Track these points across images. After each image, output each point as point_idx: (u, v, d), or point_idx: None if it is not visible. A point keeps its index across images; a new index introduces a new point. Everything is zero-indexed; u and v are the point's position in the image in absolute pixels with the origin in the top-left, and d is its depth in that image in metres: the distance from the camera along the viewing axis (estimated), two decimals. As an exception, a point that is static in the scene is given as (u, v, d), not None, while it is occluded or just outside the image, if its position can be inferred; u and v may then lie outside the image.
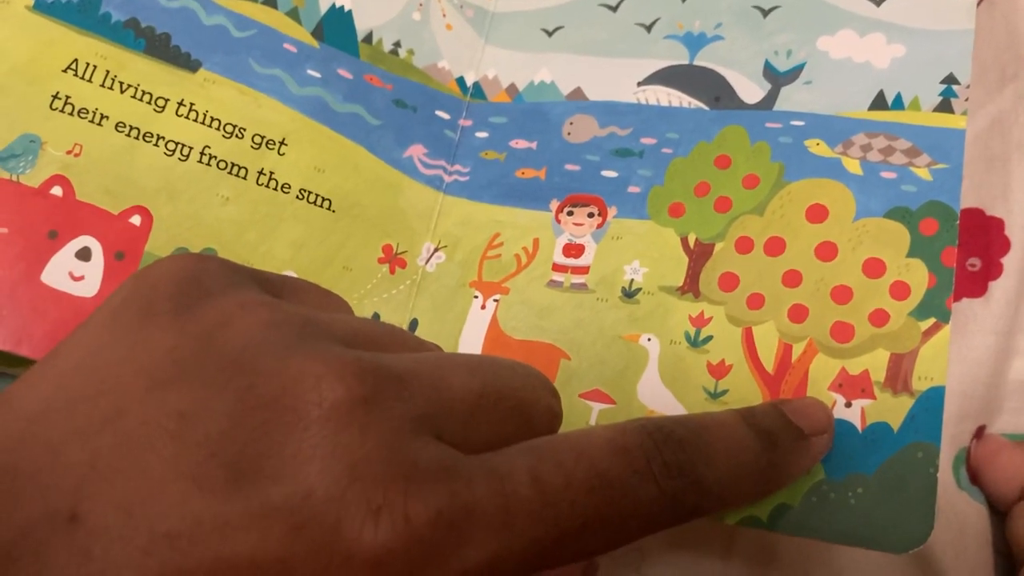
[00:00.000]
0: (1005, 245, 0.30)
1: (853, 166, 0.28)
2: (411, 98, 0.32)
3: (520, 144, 0.32)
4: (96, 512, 0.16)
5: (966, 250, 0.30)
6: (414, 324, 0.30)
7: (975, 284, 0.30)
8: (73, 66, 0.29)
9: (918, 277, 0.26)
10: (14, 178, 0.28)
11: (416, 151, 0.32)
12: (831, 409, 0.25)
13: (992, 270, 0.30)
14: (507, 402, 0.19)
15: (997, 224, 0.30)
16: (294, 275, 0.29)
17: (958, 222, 0.27)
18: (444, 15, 0.34)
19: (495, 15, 0.34)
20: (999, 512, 0.27)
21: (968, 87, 0.28)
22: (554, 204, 0.30)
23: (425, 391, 0.18)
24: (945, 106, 0.28)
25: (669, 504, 0.19)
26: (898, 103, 0.29)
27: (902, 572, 0.27)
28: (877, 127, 0.28)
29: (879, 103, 0.29)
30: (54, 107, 0.28)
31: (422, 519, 0.16)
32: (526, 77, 0.33)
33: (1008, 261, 0.30)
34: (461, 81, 0.33)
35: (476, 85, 0.33)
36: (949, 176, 0.27)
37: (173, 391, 0.17)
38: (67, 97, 0.29)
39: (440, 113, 0.33)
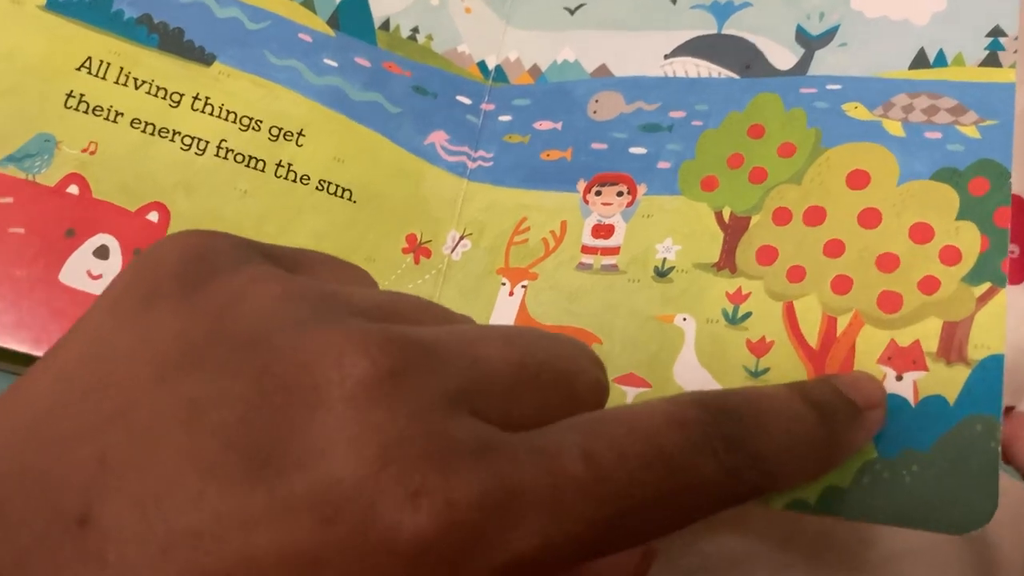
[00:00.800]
0: None
1: (895, 128, 0.26)
2: (431, 84, 0.31)
3: (545, 125, 0.31)
4: (108, 513, 0.15)
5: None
6: (441, 314, 0.29)
7: (1015, 271, 0.28)
8: (87, 64, 0.29)
9: (970, 240, 0.25)
10: (30, 177, 0.27)
11: (438, 138, 0.31)
12: (882, 382, 0.24)
13: None
14: (549, 374, 0.18)
15: None
16: None
17: (1011, 181, 0.25)
18: (463, -1, 0.33)
19: (515, -4, 0.33)
20: None
21: (1016, 38, 0.26)
22: (581, 185, 0.29)
23: (459, 364, 0.17)
24: (992, 60, 0.26)
25: (728, 479, 0.18)
26: (940, 60, 0.27)
27: (959, 553, 0.25)
28: (919, 86, 0.27)
29: (920, 61, 0.27)
30: (68, 105, 0.28)
31: (466, 502, 0.15)
32: (549, 57, 0.32)
33: None
34: (483, 65, 0.32)
35: (498, 68, 0.32)
36: (999, 132, 0.25)
37: (184, 378, 0.16)
38: (81, 95, 0.28)
39: (461, 98, 0.32)
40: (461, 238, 0.30)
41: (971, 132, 0.26)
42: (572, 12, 0.32)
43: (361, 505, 0.14)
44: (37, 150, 0.28)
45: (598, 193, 0.29)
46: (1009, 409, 0.26)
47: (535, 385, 0.18)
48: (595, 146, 0.30)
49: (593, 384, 0.19)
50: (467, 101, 0.32)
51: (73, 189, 0.28)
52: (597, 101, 0.30)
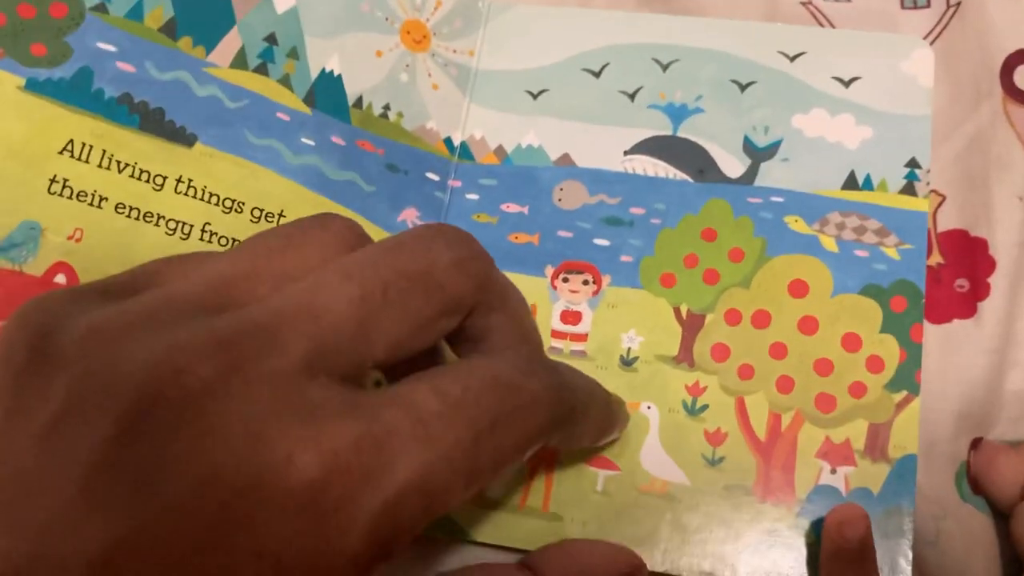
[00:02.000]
0: (991, 264, 0.31)
1: (829, 243, 0.31)
2: (402, 162, 0.33)
3: (512, 208, 0.33)
4: None
5: (953, 271, 0.31)
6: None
7: (965, 305, 0.31)
8: (69, 147, 0.28)
9: (891, 352, 0.29)
10: (16, 268, 0.27)
11: (409, 215, 0.32)
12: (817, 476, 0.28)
13: (980, 290, 0.31)
14: (397, 287, 0.20)
15: (981, 244, 0.31)
16: None
17: (923, 300, 0.30)
18: (430, 75, 0.34)
19: (479, 74, 0.34)
20: (1004, 518, 0.28)
21: (928, 171, 0.31)
22: (549, 270, 0.32)
23: (300, 330, 0.18)
24: (909, 189, 0.31)
25: (557, 397, 0.22)
26: (868, 184, 0.31)
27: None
28: (850, 207, 0.31)
29: (851, 183, 0.31)
30: (52, 191, 0.28)
31: (343, 447, 0.17)
32: (513, 139, 0.33)
33: (995, 280, 0.31)
34: (448, 142, 0.34)
35: (463, 145, 0.34)
36: (915, 256, 0.30)
37: (60, 436, 0.17)
38: (65, 180, 0.28)
39: (430, 175, 0.33)
40: (434, 315, 0.32)
41: (892, 254, 0.30)
42: (535, 96, 0.34)
43: (248, 479, 0.17)
44: (23, 239, 0.27)
45: (565, 280, 0.31)
46: (977, 441, 0.30)
47: (386, 305, 0.19)
48: (561, 233, 0.32)
49: (451, 265, 0.21)
50: (435, 177, 0.33)
51: (60, 278, 0.28)
52: (562, 189, 0.33)
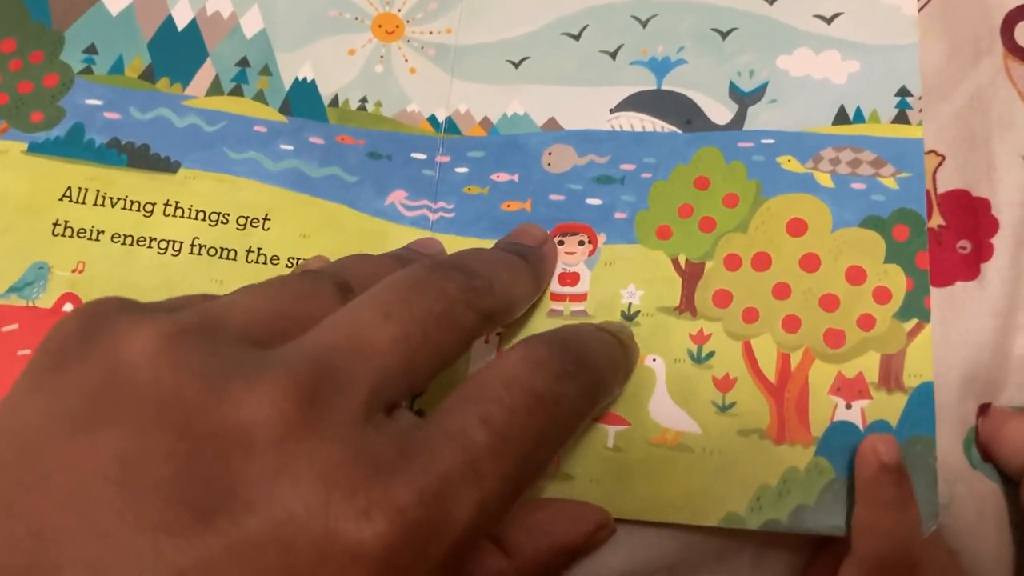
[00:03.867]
0: (993, 225, 0.30)
1: (825, 180, 0.30)
2: (385, 148, 0.33)
3: (502, 177, 0.32)
4: None
5: (955, 232, 0.30)
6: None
7: (968, 267, 0.30)
8: (68, 193, 0.32)
9: (897, 281, 0.28)
10: (30, 304, 0.31)
11: (397, 196, 0.32)
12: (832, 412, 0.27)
13: (983, 251, 0.30)
14: (431, 328, 0.21)
15: (983, 205, 0.30)
16: None
17: (927, 226, 0.29)
18: (406, 60, 0.34)
19: (458, 49, 0.34)
20: (1015, 484, 0.28)
21: (920, 98, 0.30)
22: (544, 234, 0.31)
23: (358, 368, 0.19)
24: (902, 117, 0.30)
25: (589, 397, 0.23)
26: (859, 117, 0.31)
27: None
28: (842, 141, 0.30)
29: (841, 118, 0.31)
30: (56, 233, 0.32)
31: (410, 504, 0.17)
32: (499, 110, 0.33)
33: (998, 241, 0.30)
34: (433, 119, 0.34)
35: (448, 120, 0.34)
36: (913, 184, 0.29)
37: (99, 434, 0.17)
38: (66, 222, 0.32)
39: (416, 155, 0.33)
40: (432, 289, 0.32)
41: (890, 183, 0.29)
42: (516, 65, 0.34)
43: (318, 530, 0.16)
44: (34, 278, 0.31)
45: (561, 243, 0.31)
46: (985, 407, 0.28)
47: (426, 343, 0.20)
48: (553, 197, 0.32)
49: (465, 306, 0.22)
50: (422, 156, 0.33)
51: (68, 307, 0.31)
52: (551, 154, 0.32)
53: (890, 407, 0.27)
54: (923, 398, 0.27)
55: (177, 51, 0.34)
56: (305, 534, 0.16)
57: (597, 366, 0.24)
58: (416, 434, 0.19)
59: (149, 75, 0.34)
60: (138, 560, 0.15)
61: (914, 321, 0.28)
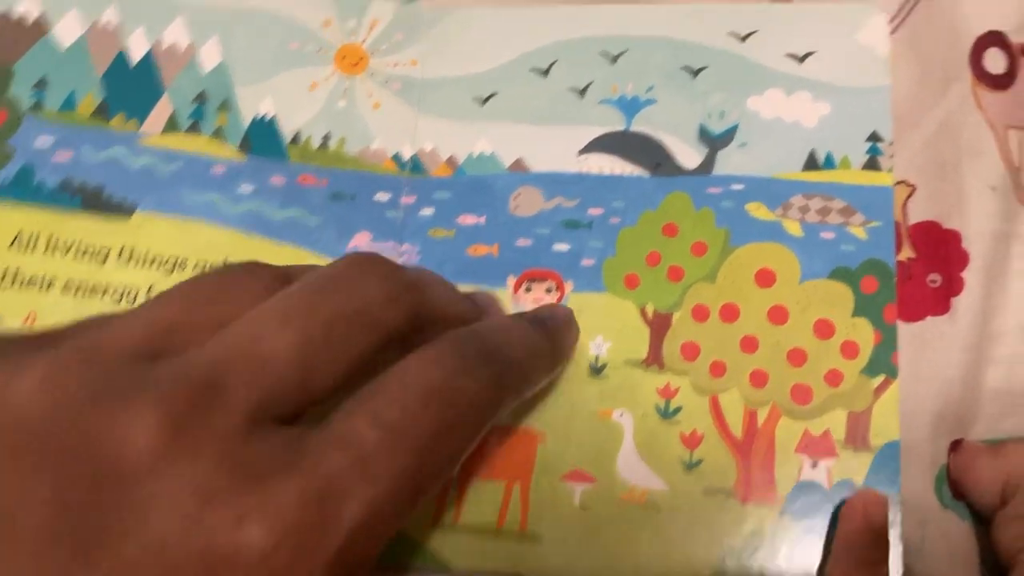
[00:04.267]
0: (964, 258, 0.30)
1: (794, 228, 0.30)
2: (348, 188, 0.32)
3: (468, 220, 0.32)
4: None
5: (925, 265, 0.30)
6: (384, 414, 0.30)
7: (938, 301, 0.30)
8: (17, 239, 0.31)
9: (865, 335, 0.28)
10: None
11: (362, 239, 0.32)
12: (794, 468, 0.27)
13: (953, 285, 0.30)
14: (336, 329, 0.20)
15: (954, 237, 0.30)
16: None
17: (895, 279, 0.29)
18: (370, 95, 0.33)
19: (424, 83, 0.34)
20: (985, 523, 0.27)
21: (891, 144, 0.30)
22: (511, 280, 0.31)
23: (243, 380, 0.19)
24: (872, 164, 0.30)
25: (495, 387, 0.22)
26: (829, 163, 0.30)
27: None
28: (812, 188, 0.30)
29: (811, 163, 0.30)
30: (4, 283, 0.31)
31: (289, 506, 0.17)
32: (465, 149, 0.33)
33: (968, 275, 0.30)
34: (397, 157, 0.33)
35: (414, 159, 0.33)
36: (882, 233, 0.29)
37: None
38: (16, 270, 0.31)
39: (379, 196, 0.32)
40: (397, 337, 0.31)
41: (859, 233, 0.29)
42: (483, 102, 0.33)
43: (198, 546, 0.17)
44: None
45: (528, 289, 0.31)
46: (957, 443, 0.28)
47: (326, 350, 0.20)
48: (520, 242, 0.31)
49: (386, 301, 0.21)
50: (385, 197, 0.32)
51: None
52: (518, 196, 0.32)
53: (856, 466, 0.27)
54: (888, 458, 0.27)
55: (132, 86, 0.33)
56: (184, 551, 0.17)
57: (509, 357, 0.23)
58: (305, 439, 0.19)
59: (103, 111, 0.33)
60: None
61: (881, 377, 0.28)
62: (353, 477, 0.18)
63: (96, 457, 0.17)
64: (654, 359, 0.29)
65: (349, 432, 0.19)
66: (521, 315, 0.27)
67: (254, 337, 0.19)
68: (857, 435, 0.28)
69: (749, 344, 0.29)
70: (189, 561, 0.17)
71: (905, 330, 0.29)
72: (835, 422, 0.28)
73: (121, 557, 0.16)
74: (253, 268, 0.22)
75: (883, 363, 0.28)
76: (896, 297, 0.28)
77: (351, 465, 0.18)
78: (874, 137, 0.30)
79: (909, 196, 0.30)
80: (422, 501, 0.20)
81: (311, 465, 0.18)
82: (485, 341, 0.23)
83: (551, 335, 0.26)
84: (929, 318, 0.29)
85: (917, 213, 0.30)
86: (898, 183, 0.30)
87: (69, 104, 0.33)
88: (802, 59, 0.31)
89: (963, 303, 0.29)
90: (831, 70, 0.31)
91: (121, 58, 0.34)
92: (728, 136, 0.31)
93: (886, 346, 0.28)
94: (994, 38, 0.32)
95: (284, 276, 0.22)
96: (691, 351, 0.29)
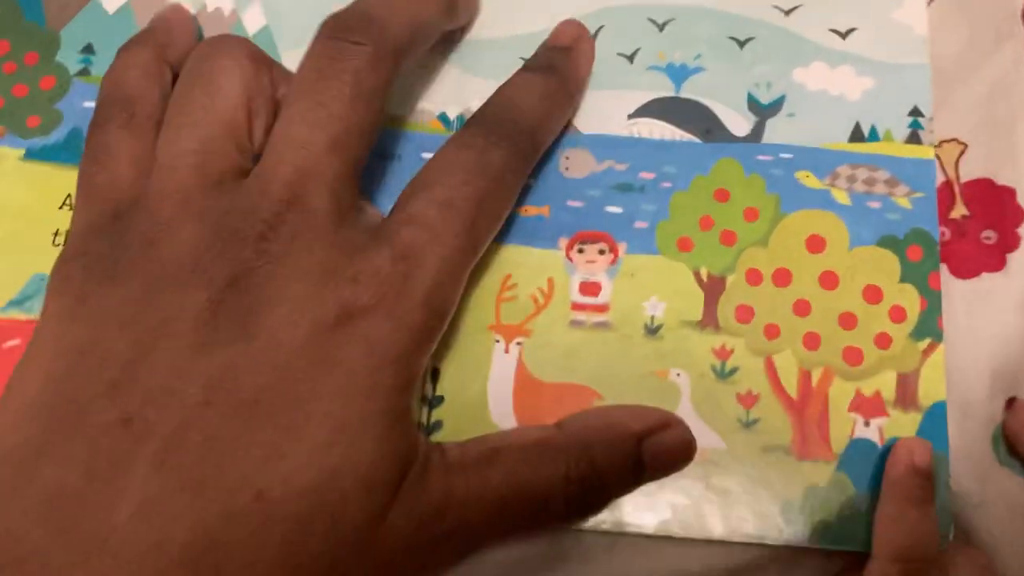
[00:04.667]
0: (1019, 214, 0.30)
1: (842, 197, 0.31)
2: (394, 147, 0.32)
3: (518, 180, 0.32)
4: None
5: (979, 222, 0.30)
6: (435, 374, 0.30)
7: (993, 257, 0.30)
8: (67, 201, 0.32)
9: (911, 301, 0.29)
10: (32, 317, 0.30)
11: (410, 196, 0.31)
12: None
13: (1009, 241, 0.30)
14: (349, 111, 0.26)
15: (1008, 193, 0.30)
16: None
17: (938, 248, 0.30)
18: (417, 53, 0.33)
19: (471, 43, 0.33)
20: None
21: (931, 119, 0.31)
22: (563, 242, 0.31)
23: (316, 191, 0.24)
24: (914, 137, 0.31)
25: (517, 154, 0.27)
26: (873, 135, 0.31)
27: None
28: (858, 159, 0.31)
29: (857, 135, 0.31)
30: (56, 243, 0.31)
31: (385, 265, 0.23)
32: (513, 109, 0.32)
33: None
34: (443, 117, 0.32)
35: (460, 118, 0.32)
36: (926, 204, 0.30)
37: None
38: (66, 232, 0.31)
39: (426, 155, 0.32)
40: (448, 295, 0.31)
41: (904, 203, 0.30)
42: (530, 63, 0.33)
43: (332, 300, 0.23)
44: (34, 291, 0.31)
45: (581, 251, 0.31)
46: (1012, 401, 0.29)
47: (349, 132, 0.25)
48: (572, 203, 0.31)
49: (375, 47, 0.26)
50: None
51: None
52: (568, 158, 0.32)
53: (906, 425, 0.28)
54: (937, 417, 0.28)
55: None
56: (320, 306, 0.22)
57: (523, 124, 0.28)
58: (382, 223, 0.25)
59: None
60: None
61: (928, 340, 0.29)
62: (425, 241, 0.24)
63: (236, 260, 0.23)
64: (709, 321, 0.30)
65: (414, 212, 0.24)
66: (534, 66, 0.30)
67: (297, 151, 0.24)
68: (907, 395, 0.29)
69: (802, 308, 0.30)
70: (325, 312, 0.22)
71: (959, 287, 0.30)
72: (885, 383, 0.29)
73: (274, 317, 0.22)
74: (227, 44, 0.27)
75: (929, 327, 0.29)
76: (939, 265, 0.30)
77: (421, 234, 0.24)
78: (915, 112, 0.31)
79: (961, 154, 0.31)
80: (479, 253, 0.26)
81: (393, 238, 0.24)
82: (504, 114, 0.28)
83: (563, 78, 0.30)
84: (984, 274, 0.30)
85: (969, 171, 0.31)
86: (949, 140, 0.31)
87: None
88: (845, 35, 0.32)
89: (1018, 259, 0.30)
90: (872, 46, 0.32)
91: None
92: (776, 106, 0.32)
93: (931, 311, 0.29)
94: (1046, -6, 0.32)
95: (254, 46, 0.28)
96: (746, 313, 0.30)
